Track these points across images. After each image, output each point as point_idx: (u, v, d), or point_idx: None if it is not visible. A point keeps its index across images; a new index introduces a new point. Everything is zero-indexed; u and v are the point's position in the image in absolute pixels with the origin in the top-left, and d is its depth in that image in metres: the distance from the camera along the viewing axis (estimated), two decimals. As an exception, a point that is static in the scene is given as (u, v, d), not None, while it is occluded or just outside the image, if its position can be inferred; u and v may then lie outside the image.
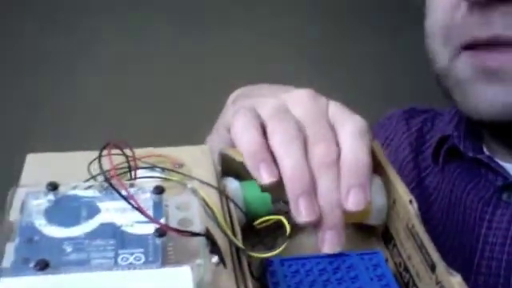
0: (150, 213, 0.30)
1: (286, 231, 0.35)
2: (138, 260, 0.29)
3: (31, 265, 0.27)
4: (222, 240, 0.32)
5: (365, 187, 0.36)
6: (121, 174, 0.33)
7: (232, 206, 0.35)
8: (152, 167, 0.35)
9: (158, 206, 0.31)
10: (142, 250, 0.29)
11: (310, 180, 0.35)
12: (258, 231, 0.37)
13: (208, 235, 0.31)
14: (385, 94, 1.33)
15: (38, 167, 0.35)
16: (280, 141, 0.36)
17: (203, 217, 0.31)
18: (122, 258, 0.29)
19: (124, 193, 0.30)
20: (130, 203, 0.30)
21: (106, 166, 0.32)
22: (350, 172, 0.36)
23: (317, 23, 1.49)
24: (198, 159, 0.37)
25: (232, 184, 0.37)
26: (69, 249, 0.29)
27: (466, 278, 0.32)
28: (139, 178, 0.33)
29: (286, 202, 0.37)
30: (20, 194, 0.31)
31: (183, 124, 1.14)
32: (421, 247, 0.34)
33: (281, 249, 0.34)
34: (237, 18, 1.52)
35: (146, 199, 0.31)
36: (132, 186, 0.32)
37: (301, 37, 1.47)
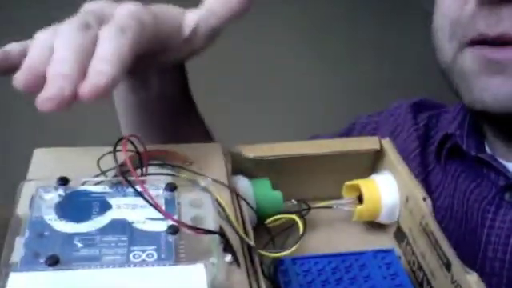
0: (162, 210, 0.30)
1: (298, 230, 0.34)
2: (151, 257, 0.28)
3: (41, 260, 0.27)
4: (233, 239, 0.32)
5: (101, 74, 0.32)
6: (128, 171, 0.32)
7: (243, 204, 0.35)
8: (163, 164, 0.34)
9: (171, 204, 0.31)
10: (154, 247, 0.28)
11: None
12: (268, 230, 0.36)
13: (222, 233, 0.30)
14: (387, 81, 1.32)
15: (46, 162, 0.34)
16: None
17: (216, 215, 0.31)
18: (134, 255, 0.28)
19: (140, 189, 0.29)
20: (146, 200, 0.29)
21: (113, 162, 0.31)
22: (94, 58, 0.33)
23: (320, 8, 1.46)
24: (208, 157, 0.36)
25: (243, 182, 0.37)
26: (80, 244, 0.28)
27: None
28: (150, 174, 0.33)
29: (298, 201, 0.37)
30: (28, 188, 0.30)
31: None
32: (435, 245, 0.34)
33: (294, 248, 0.33)
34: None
35: (157, 196, 0.31)
36: (143, 182, 0.31)
37: (301, 20, 1.44)
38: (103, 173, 0.32)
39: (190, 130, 0.49)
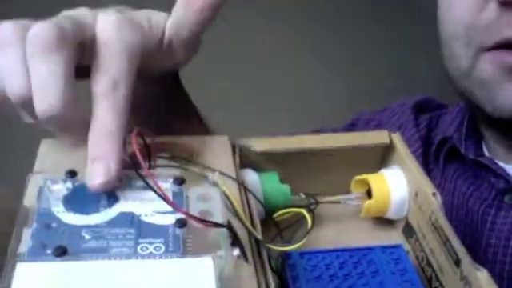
0: (170, 204, 0.30)
1: (307, 224, 0.34)
2: (158, 250, 0.28)
3: (49, 251, 0.27)
4: (241, 233, 0.31)
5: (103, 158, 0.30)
6: (137, 163, 0.32)
7: (251, 197, 0.35)
8: (171, 157, 0.34)
9: (179, 197, 0.31)
10: (162, 239, 0.28)
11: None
12: (276, 224, 0.36)
13: (230, 227, 0.30)
14: (387, 81, 1.31)
15: (52, 153, 0.34)
16: None
17: (224, 209, 0.31)
18: (142, 248, 0.28)
19: (151, 182, 0.29)
20: (157, 193, 0.29)
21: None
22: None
23: (321, 7, 1.46)
24: (216, 150, 0.36)
25: (251, 176, 0.37)
26: (87, 236, 0.28)
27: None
28: (158, 166, 0.33)
29: (307, 195, 0.36)
30: (35, 179, 0.30)
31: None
32: (445, 241, 0.33)
33: (302, 242, 0.33)
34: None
35: (166, 190, 0.30)
36: (152, 175, 0.31)
37: (301, 20, 1.44)
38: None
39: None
